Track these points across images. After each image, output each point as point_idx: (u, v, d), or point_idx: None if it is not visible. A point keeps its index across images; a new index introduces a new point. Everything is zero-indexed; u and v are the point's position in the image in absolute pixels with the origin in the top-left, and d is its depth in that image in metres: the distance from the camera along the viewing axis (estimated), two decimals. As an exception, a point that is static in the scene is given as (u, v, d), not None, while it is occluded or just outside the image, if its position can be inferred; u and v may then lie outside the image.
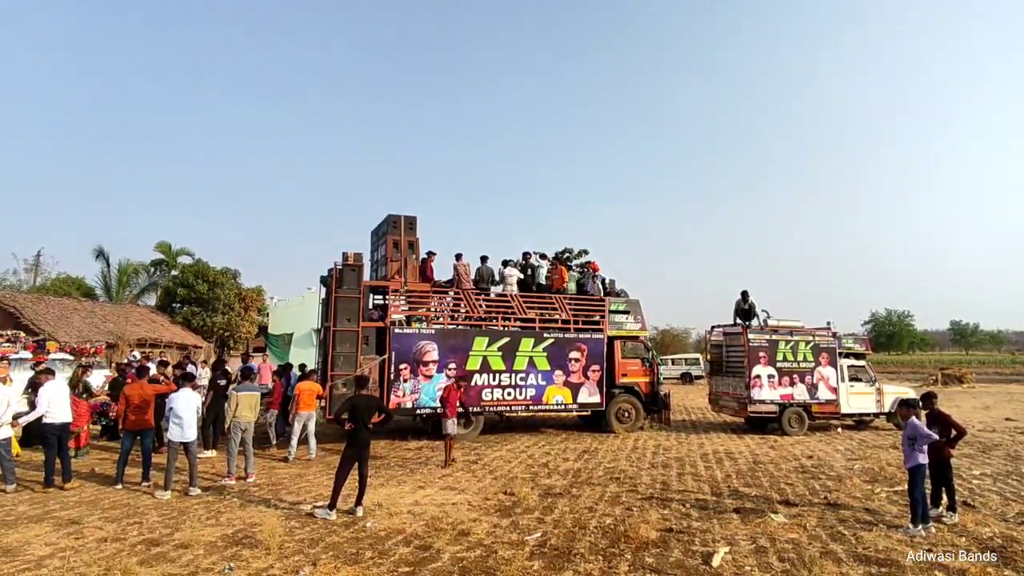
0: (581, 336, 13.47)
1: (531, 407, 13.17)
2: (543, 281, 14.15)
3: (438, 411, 8.72)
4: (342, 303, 11.48)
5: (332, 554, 5.49)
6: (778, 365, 13.90)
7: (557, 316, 13.49)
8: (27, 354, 12.65)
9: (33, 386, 8.87)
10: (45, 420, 7.96)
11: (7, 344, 12.80)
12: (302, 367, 12.67)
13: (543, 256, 14.81)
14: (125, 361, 14.15)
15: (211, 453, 10.25)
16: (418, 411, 12.03)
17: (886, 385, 15.29)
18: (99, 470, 9.04)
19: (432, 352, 12.12)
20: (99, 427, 12.07)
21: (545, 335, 13.15)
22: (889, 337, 77.22)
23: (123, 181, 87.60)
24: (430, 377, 11.98)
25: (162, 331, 26.43)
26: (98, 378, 13.13)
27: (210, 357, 22.86)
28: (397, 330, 11.97)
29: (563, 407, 13.32)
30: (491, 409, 12.78)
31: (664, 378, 16.63)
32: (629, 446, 12.02)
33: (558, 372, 13.16)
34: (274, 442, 11.30)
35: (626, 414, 13.91)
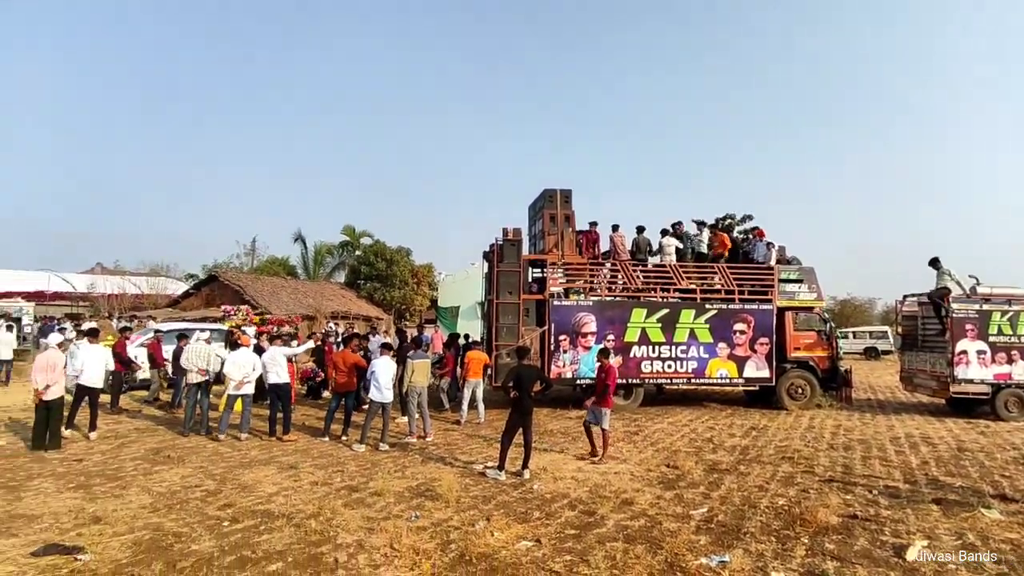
0: (747, 307, 12.74)
1: (692, 380, 12.82)
2: (704, 250, 13.55)
3: (590, 402, 8.33)
4: (503, 277, 12.05)
5: (503, 511, 5.93)
6: (991, 339, 11.95)
7: (720, 286, 12.87)
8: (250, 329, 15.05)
9: (258, 350, 10.55)
10: (269, 381, 9.50)
11: (236, 315, 15.37)
12: (465, 337, 13.60)
13: (701, 223, 14.15)
14: (323, 331, 16.26)
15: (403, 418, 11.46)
16: (578, 381, 12.31)
17: None
18: (307, 424, 10.56)
19: (590, 323, 12.28)
20: (304, 388, 14.07)
21: (707, 306, 12.64)
22: None
23: (314, 169, 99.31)
24: (588, 348, 12.17)
25: (350, 305, 29.79)
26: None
27: (391, 328, 25.30)
28: (556, 302, 12.28)
29: (727, 381, 12.78)
30: (650, 381, 12.66)
31: (844, 352, 15.15)
32: (803, 424, 11.21)
33: (722, 344, 12.61)
34: (447, 406, 12.29)
35: (799, 390, 12.96)
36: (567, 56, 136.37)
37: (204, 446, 8.72)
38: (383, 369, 8.87)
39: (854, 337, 32.57)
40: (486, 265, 13.38)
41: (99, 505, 5.94)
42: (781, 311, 12.99)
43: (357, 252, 37.73)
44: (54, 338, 9.29)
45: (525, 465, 7.31)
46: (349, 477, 7.19)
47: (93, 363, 9.23)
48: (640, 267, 13.03)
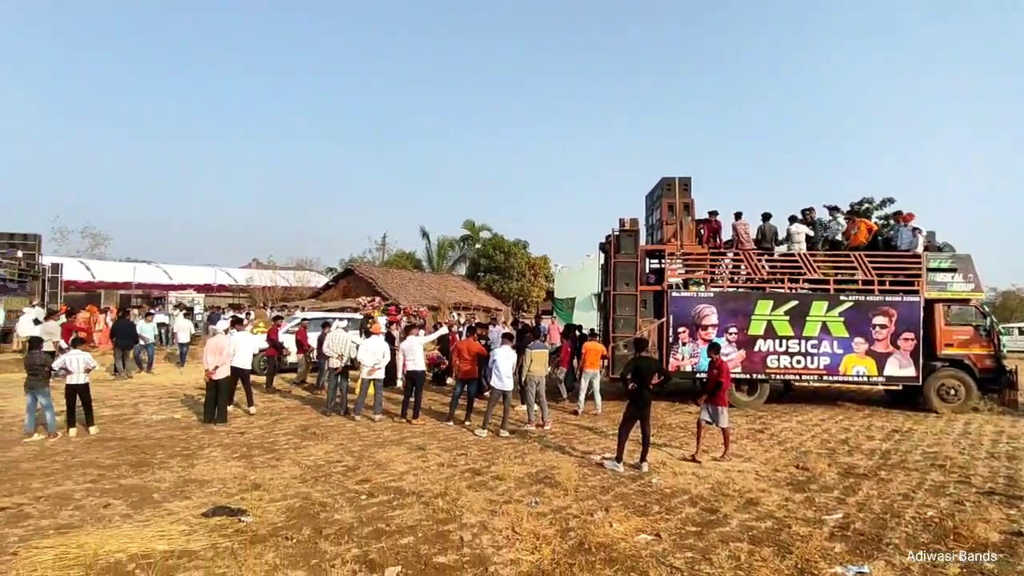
0: (888, 299, 11.62)
1: (825, 377, 11.94)
2: (839, 238, 12.53)
3: (704, 400, 7.93)
4: (620, 268, 11.94)
5: (622, 503, 5.97)
6: None
7: (857, 276, 11.85)
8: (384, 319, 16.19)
9: (388, 338, 11.35)
10: (407, 368, 10.19)
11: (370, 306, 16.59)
12: (578, 328, 13.68)
13: (835, 209, 13.04)
14: (454, 320, 17.10)
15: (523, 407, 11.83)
16: (697, 375, 11.94)
17: None
18: (433, 409, 11.21)
19: (711, 316, 11.84)
20: (430, 375, 14.89)
21: (842, 298, 11.70)
22: None
23: (436, 166, 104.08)
24: (709, 341, 11.73)
25: (471, 296, 30.96)
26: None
27: (509, 319, 25.97)
28: (674, 293, 11.98)
29: (865, 379, 11.76)
30: (776, 377, 11.96)
31: (1008, 351, 13.35)
32: (956, 429, 10.08)
33: (859, 339, 11.62)
34: (564, 396, 12.45)
35: (951, 391, 11.62)
36: (689, 34, 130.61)
37: (343, 425, 9.58)
38: (503, 358, 9.21)
39: (1020, 333, 28.23)
40: (602, 256, 13.32)
41: (258, 474, 6.76)
42: (930, 303, 11.69)
43: (477, 245, 39.12)
44: (221, 325, 10.64)
45: (643, 458, 7.28)
46: (472, 460, 7.58)
47: (242, 348, 10.43)
48: (766, 256, 12.32)
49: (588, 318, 20.62)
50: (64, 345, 11.29)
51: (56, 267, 24.40)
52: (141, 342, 15.18)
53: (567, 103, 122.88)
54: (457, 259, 40.78)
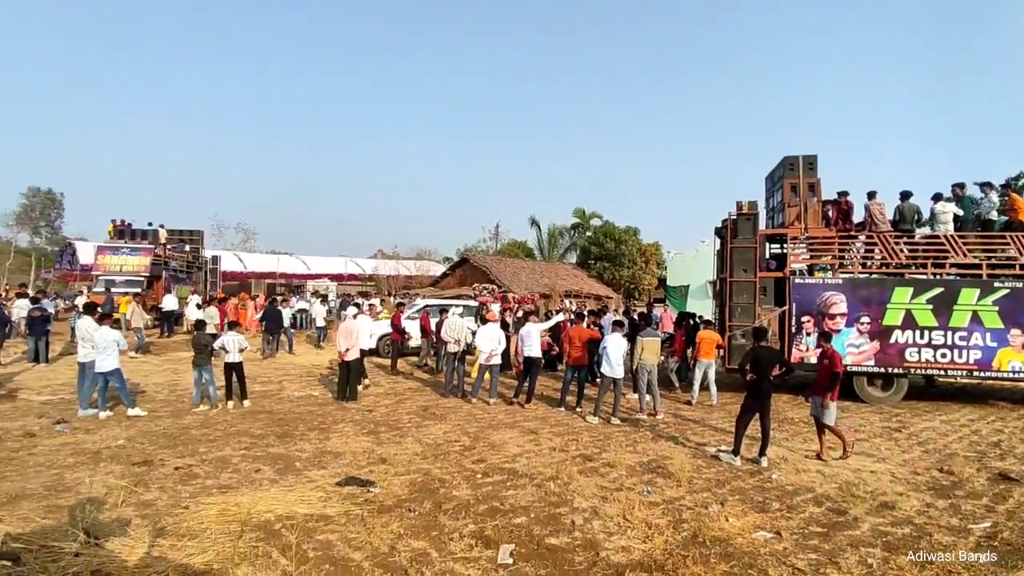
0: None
1: (975, 373, 10.67)
2: (993, 217, 11.08)
3: (812, 395, 7.33)
4: (737, 253, 11.40)
5: (738, 498, 5.80)
6: None
7: (1014, 260, 10.44)
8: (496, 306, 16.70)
9: (503, 325, 11.70)
10: (525, 354, 10.52)
11: (487, 294, 17.18)
12: (692, 316, 13.28)
13: (987, 185, 11.50)
14: (557, 309, 17.28)
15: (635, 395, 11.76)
16: (824, 367, 11.16)
17: None
18: (544, 394, 11.41)
19: (839, 304, 10.97)
20: (541, 360, 15.13)
21: (996, 284, 10.37)
22: None
23: (547, 155, 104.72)
24: (837, 331, 10.92)
25: (582, 284, 30.93)
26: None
27: (620, 307, 25.69)
28: (798, 280, 11.25)
29: (1022, 376, 10.39)
30: (916, 372, 10.86)
31: None
32: None
33: (1016, 331, 10.28)
34: (677, 386, 12.17)
35: None
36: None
37: (460, 407, 10.07)
38: (614, 345, 9.20)
39: None
40: (718, 242, 12.77)
41: (384, 449, 7.33)
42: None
43: (588, 233, 38.93)
44: (351, 311, 11.58)
45: (762, 452, 7.00)
46: (583, 446, 7.68)
47: (365, 331, 11.37)
48: (905, 239, 11.19)
49: (702, 306, 19.95)
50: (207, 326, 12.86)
51: (215, 259, 27.65)
52: (286, 325, 16.93)
53: (678, 79, 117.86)
54: (568, 247, 40.85)
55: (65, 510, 5.04)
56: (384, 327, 15.26)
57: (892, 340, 10.74)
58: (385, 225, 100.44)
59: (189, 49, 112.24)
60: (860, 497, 5.85)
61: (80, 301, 12.24)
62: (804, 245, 11.64)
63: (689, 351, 11.65)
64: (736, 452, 7.00)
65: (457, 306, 13.57)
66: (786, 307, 11.22)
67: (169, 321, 19.24)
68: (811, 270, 11.50)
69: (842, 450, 7.28)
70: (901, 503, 5.69)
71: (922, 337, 10.67)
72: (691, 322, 12.78)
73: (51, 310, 16.17)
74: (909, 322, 10.71)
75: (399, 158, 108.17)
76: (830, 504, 5.67)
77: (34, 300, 15.36)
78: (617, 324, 9.83)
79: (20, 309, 15.68)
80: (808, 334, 11.10)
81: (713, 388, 10.75)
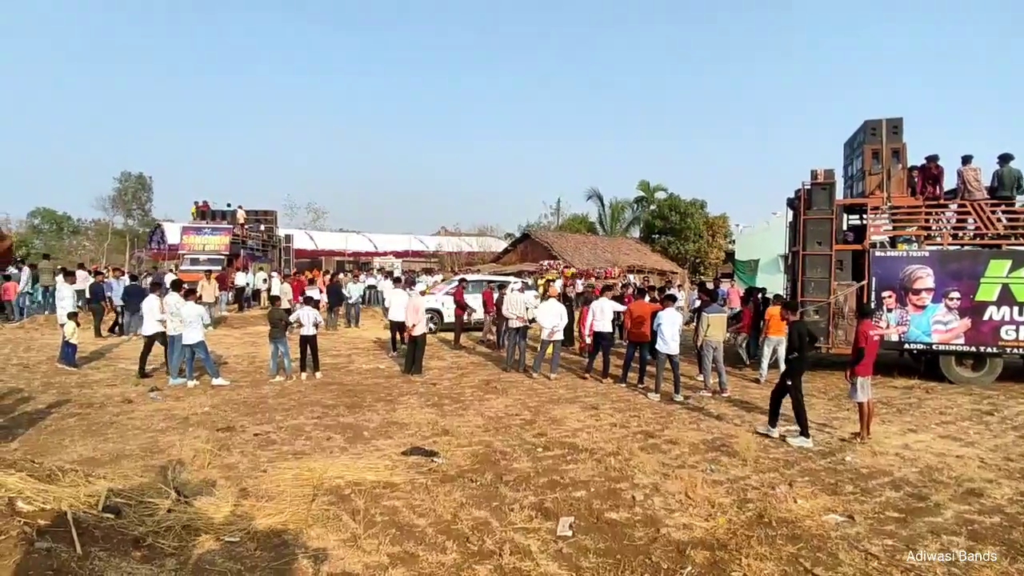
0: None
1: None
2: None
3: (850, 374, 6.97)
4: (812, 225, 10.81)
5: (808, 479, 5.60)
6: None
7: None
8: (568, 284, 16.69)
9: (565, 300, 11.68)
10: (595, 328, 10.47)
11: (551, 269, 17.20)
12: (761, 291, 12.77)
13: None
14: (621, 284, 17.06)
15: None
16: (906, 345, 10.51)
17: None
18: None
19: (926, 278, 10.23)
20: (614, 336, 14.98)
21: (1114, 256, 9.37)
22: None
23: (610, 128, 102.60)
24: (922, 308, 10.21)
25: (645, 259, 30.31)
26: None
27: (684, 282, 25.07)
28: (878, 253, 10.56)
29: None
30: (1014, 351, 10.03)
31: None
32: None
33: None
34: (747, 362, 11.79)
35: None
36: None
37: (521, 381, 10.15)
38: (668, 320, 9.00)
39: None
40: (791, 214, 12.13)
41: (447, 421, 7.50)
42: None
43: (652, 206, 37.96)
44: (418, 287, 11.93)
45: (772, 423, 7.06)
46: (645, 423, 7.60)
47: (397, 304, 12.05)
48: (1004, 207, 10.25)
49: (773, 281, 19.14)
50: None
51: (288, 237, 28.92)
52: (349, 300, 17.61)
53: (745, 38, 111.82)
54: (631, 221, 39.98)
55: (158, 470, 5.47)
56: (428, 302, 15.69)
57: (986, 317, 9.95)
58: (449, 201, 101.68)
59: (267, 42, 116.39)
60: (943, 483, 5.52)
61: (168, 279, 13.22)
62: (886, 215, 10.89)
63: (761, 326, 11.23)
64: (805, 433, 6.73)
65: (516, 282, 13.61)
66: (864, 282, 10.58)
67: (242, 297, 20.34)
68: (894, 242, 10.77)
69: (860, 432, 6.96)
70: (991, 491, 5.33)
71: (1021, 314, 9.83)
72: (760, 297, 12.30)
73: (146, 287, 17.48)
74: (1006, 298, 9.87)
75: (462, 134, 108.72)
76: (909, 489, 5.38)
77: (132, 278, 16.72)
78: (668, 299, 9.61)
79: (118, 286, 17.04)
80: (889, 310, 10.44)
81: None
